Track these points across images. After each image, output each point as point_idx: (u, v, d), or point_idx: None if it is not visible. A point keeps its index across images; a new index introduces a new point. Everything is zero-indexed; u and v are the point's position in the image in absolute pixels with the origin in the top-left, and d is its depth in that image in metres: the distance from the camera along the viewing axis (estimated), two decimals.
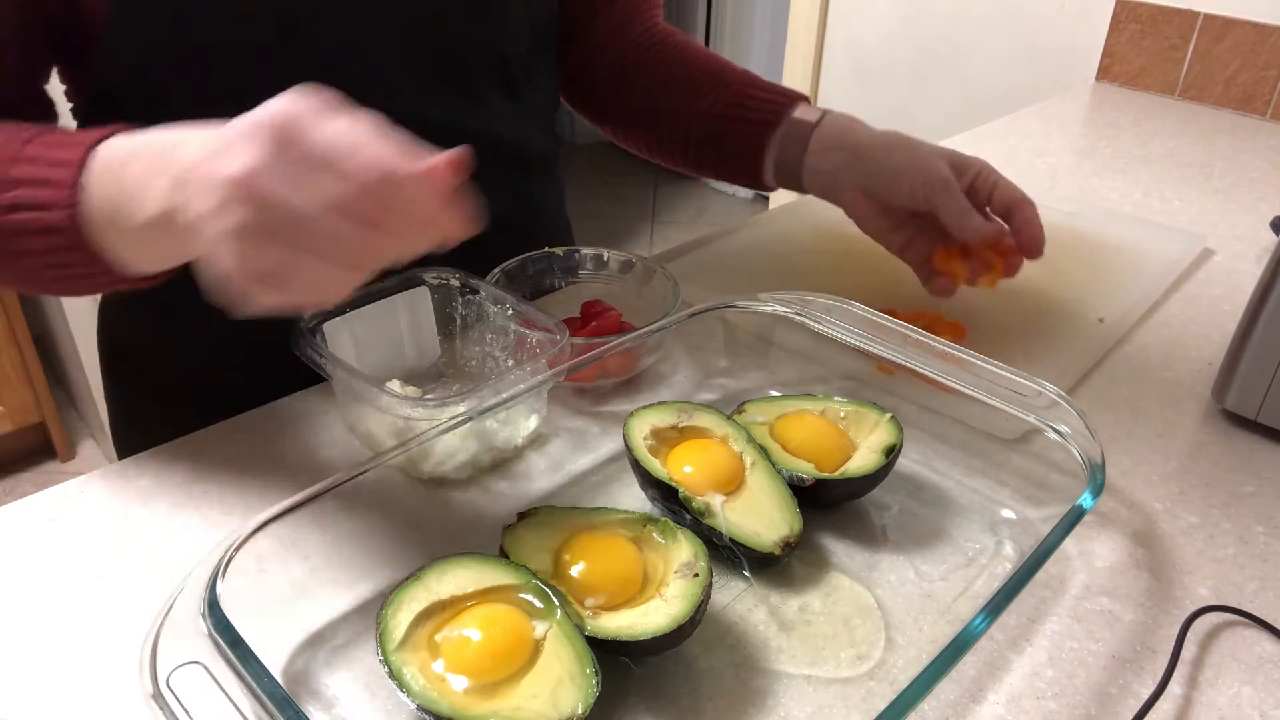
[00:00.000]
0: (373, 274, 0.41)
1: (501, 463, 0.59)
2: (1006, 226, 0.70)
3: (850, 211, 0.74)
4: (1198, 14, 1.39)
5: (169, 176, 0.41)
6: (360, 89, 0.57)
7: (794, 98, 0.78)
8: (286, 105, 0.39)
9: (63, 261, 0.49)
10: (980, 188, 0.70)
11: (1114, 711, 0.45)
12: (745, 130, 0.78)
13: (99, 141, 0.47)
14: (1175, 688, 0.46)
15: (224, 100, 0.44)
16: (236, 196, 0.37)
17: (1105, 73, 1.52)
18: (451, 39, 0.68)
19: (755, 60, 3.36)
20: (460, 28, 0.68)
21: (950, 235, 0.69)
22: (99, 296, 0.76)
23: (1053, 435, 0.54)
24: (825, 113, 0.76)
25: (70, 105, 0.66)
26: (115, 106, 0.58)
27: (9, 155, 0.49)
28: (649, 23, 0.85)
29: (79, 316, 1.86)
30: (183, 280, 0.63)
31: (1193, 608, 0.50)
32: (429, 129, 0.69)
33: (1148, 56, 1.46)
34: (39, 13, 0.57)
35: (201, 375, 0.72)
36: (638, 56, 0.83)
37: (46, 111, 0.62)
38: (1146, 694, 0.45)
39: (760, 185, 0.80)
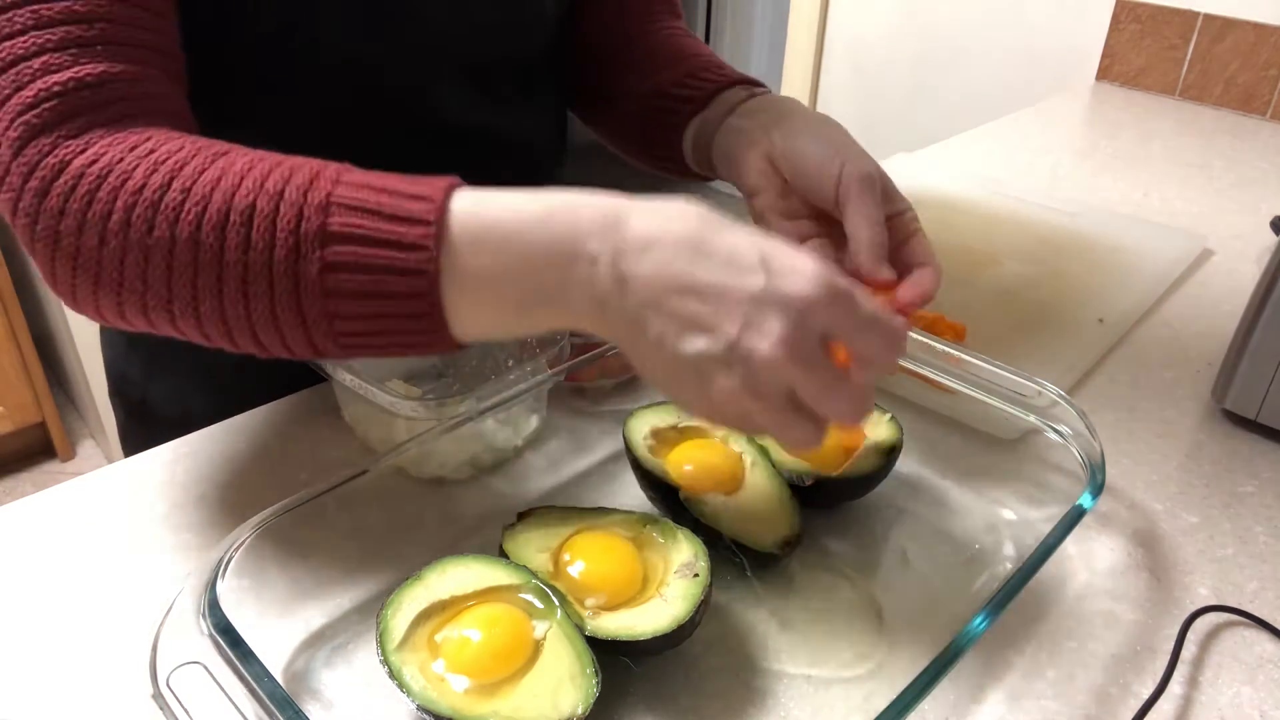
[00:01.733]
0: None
1: (501, 463, 0.59)
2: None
3: (745, 180, 0.61)
4: (1198, 14, 1.39)
5: (598, 283, 0.39)
6: (393, 88, 0.56)
7: (739, 80, 0.67)
8: (827, 280, 0.39)
9: (398, 327, 0.42)
10: (899, 227, 0.57)
11: (1114, 711, 0.45)
12: (674, 108, 0.68)
13: (448, 195, 0.41)
14: (1175, 688, 0.46)
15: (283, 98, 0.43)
16: (764, 376, 0.38)
17: (1105, 73, 1.52)
18: (492, 45, 0.67)
19: (755, 60, 3.36)
20: (503, 35, 0.68)
21: (842, 259, 0.57)
22: None
23: (1053, 435, 0.54)
24: (766, 92, 0.66)
25: None
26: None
27: (321, 203, 0.41)
28: (647, 20, 0.79)
29: (79, 317, 1.85)
30: None
31: (1193, 608, 0.50)
32: (447, 127, 0.69)
33: (1148, 56, 1.46)
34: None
35: (203, 375, 0.72)
36: (609, 39, 0.76)
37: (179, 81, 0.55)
38: (1146, 694, 0.45)
39: (680, 167, 0.70)
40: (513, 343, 0.63)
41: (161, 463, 0.58)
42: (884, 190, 0.56)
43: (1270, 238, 0.95)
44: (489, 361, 0.66)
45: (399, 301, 0.41)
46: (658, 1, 0.78)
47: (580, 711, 0.39)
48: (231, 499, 0.55)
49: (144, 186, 0.41)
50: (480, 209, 0.41)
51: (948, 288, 0.82)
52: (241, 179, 0.42)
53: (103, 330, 0.76)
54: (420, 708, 0.39)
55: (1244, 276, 0.87)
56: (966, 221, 0.96)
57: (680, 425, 0.56)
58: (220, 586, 0.41)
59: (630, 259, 0.39)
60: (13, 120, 0.42)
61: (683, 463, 0.53)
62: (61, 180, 0.42)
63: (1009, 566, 0.52)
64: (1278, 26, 1.34)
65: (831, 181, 0.55)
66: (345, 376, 0.55)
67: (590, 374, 0.65)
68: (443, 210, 0.41)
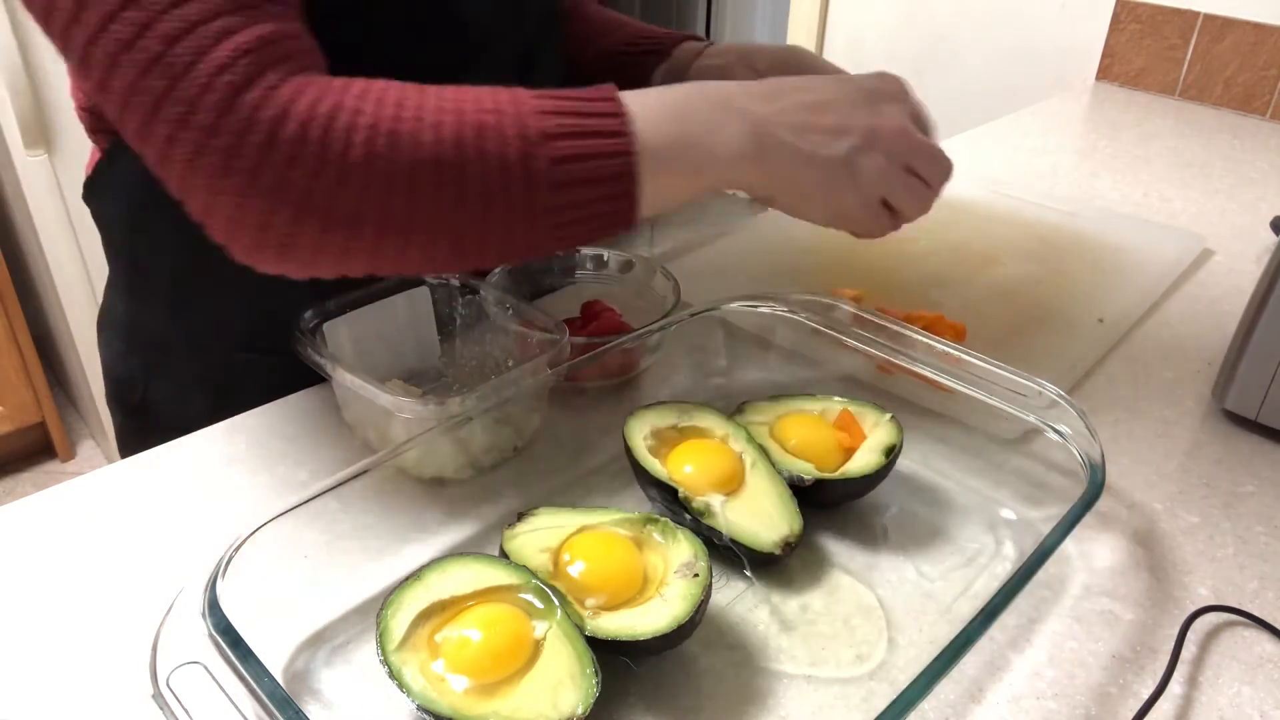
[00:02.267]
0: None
1: (501, 463, 0.59)
2: None
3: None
4: (1198, 14, 1.39)
5: (751, 123, 0.51)
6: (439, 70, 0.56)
7: (691, 35, 0.76)
8: (902, 83, 0.58)
9: (605, 209, 0.49)
10: None
11: (1114, 711, 0.45)
12: (637, 61, 0.75)
13: (614, 94, 0.49)
14: (1175, 688, 0.46)
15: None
16: (895, 140, 0.54)
17: (1105, 73, 1.52)
18: (491, 34, 0.67)
19: None
20: (499, 24, 0.67)
21: None
22: (99, 299, 0.75)
23: (1053, 435, 0.54)
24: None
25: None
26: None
27: (532, 110, 0.47)
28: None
29: (79, 316, 1.85)
30: (183, 282, 0.63)
31: (1193, 608, 0.50)
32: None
33: (1148, 56, 1.46)
34: None
35: (203, 376, 0.72)
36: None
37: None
38: (1146, 694, 0.45)
39: None
40: (513, 343, 0.63)
41: (161, 463, 0.58)
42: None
43: (1270, 238, 0.95)
44: (489, 361, 0.66)
45: (610, 184, 0.48)
46: None
47: (580, 711, 0.39)
48: (231, 499, 0.55)
49: (376, 121, 0.44)
50: (644, 98, 0.50)
51: (948, 287, 0.82)
52: (459, 103, 0.46)
53: (100, 333, 0.76)
54: (420, 708, 0.39)
55: (1244, 276, 0.87)
56: (966, 221, 0.96)
57: (680, 425, 0.56)
58: (220, 586, 0.41)
59: (769, 104, 0.52)
60: (210, 81, 0.42)
61: (683, 463, 0.53)
62: (289, 128, 0.43)
63: (1009, 566, 0.52)
64: (1278, 26, 1.33)
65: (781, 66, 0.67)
66: (345, 376, 0.55)
67: (590, 374, 0.65)
68: (621, 103, 0.49)
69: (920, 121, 0.58)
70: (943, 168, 0.57)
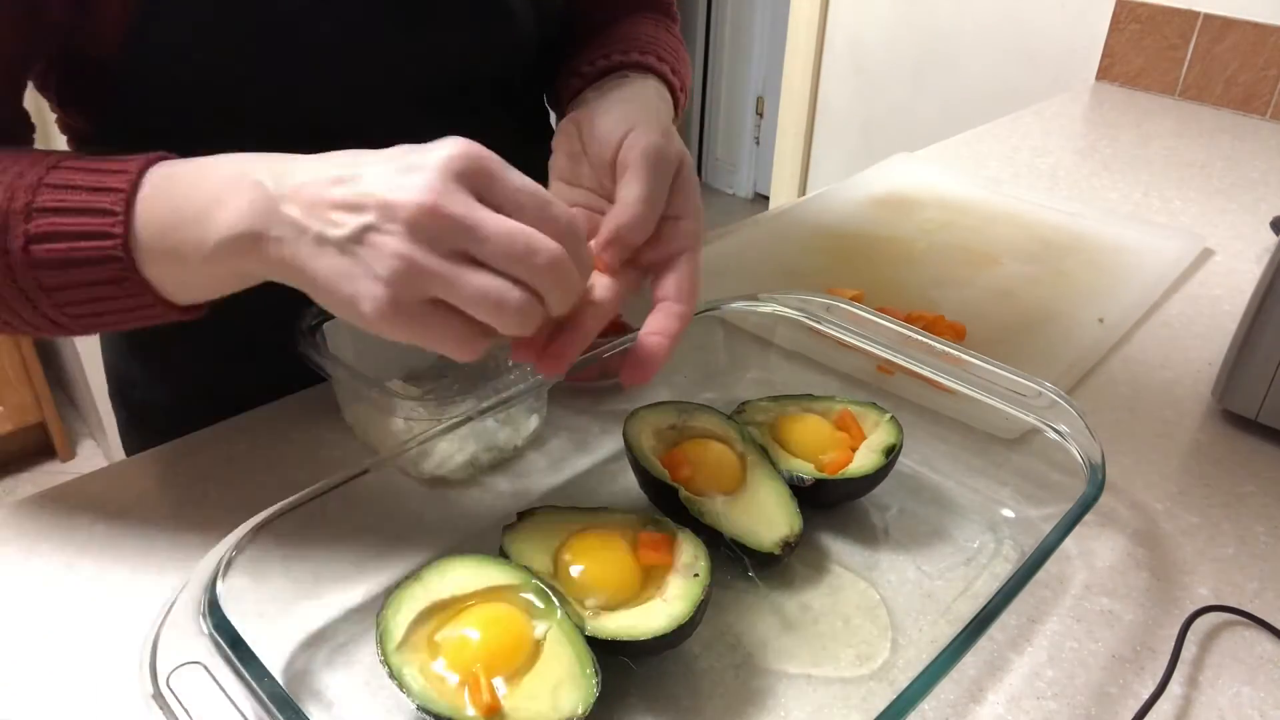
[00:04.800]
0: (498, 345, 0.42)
1: (501, 463, 0.59)
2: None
3: (554, 140, 0.57)
4: (1198, 14, 1.39)
5: (258, 198, 0.40)
6: (360, 116, 0.57)
7: (633, 64, 0.62)
8: (468, 147, 0.39)
9: (109, 294, 0.45)
10: (670, 233, 0.49)
11: (1114, 711, 0.45)
12: (572, 85, 0.64)
13: (146, 167, 0.44)
14: (1175, 688, 0.46)
15: (229, 133, 0.45)
16: (416, 219, 0.37)
17: (1105, 73, 1.52)
18: (459, 68, 0.68)
19: (755, 60, 3.36)
20: (469, 57, 0.68)
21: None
22: None
23: (1052, 435, 0.54)
24: (643, 77, 0.60)
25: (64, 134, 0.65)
26: (118, 138, 0.57)
27: (32, 183, 0.44)
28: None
29: None
30: None
31: (1193, 608, 0.50)
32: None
33: (1148, 56, 1.46)
34: (35, 49, 0.55)
35: (203, 376, 0.72)
36: (585, 29, 0.72)
37: (26, 128, 0.59)
38: (1146, 694, 0.45)
39: None
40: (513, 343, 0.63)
41: (161, 463, 0.58)
42: (679, 181, 0.49)
43: (1270, 238, 0.95)
44: (489, 361, 0.66)
45: (101, 267, 0.44)
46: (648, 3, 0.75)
47: (580, 711, 0.39)
48: (231, 499, 0.55)
49: None
50: (173, 168, 0.44)
51: (948, 287, 0.82)
52: None
53: (103, 335, 0.76)
54: (420, 708, 0.39)
55: (1244, 276, 0.87)
56: (966, 221, 0.96)
57: (680, 425, 0.56)
58: (220, 586, 0.41)
59: (288, 176, 0.41)
60: None
61: (683, 463, 0.53)
62: None
63: (1009, 566, 0.52)
64: (1278, 26, 1.34)
65: (613, 146, 0.49)
66: (345, 377, 0.55)
67: (590, 374, 0.65)
68: (138, 176, 0.44)
69: (505, 196, 0.40)
70: (537, 253, 0.39)
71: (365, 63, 0.62)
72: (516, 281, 0.39)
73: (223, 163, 0.43)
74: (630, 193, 0.47)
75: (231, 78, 0.58)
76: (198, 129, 0.60)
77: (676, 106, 0.65)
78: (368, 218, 0.38)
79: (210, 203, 0.42)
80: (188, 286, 0.45)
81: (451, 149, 0.39)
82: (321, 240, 0.39)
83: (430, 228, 0.38)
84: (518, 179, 0.40)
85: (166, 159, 0.45)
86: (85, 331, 0.48)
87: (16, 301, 0.46)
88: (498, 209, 0.39)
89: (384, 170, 0.39)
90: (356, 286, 0.39)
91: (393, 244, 0.38)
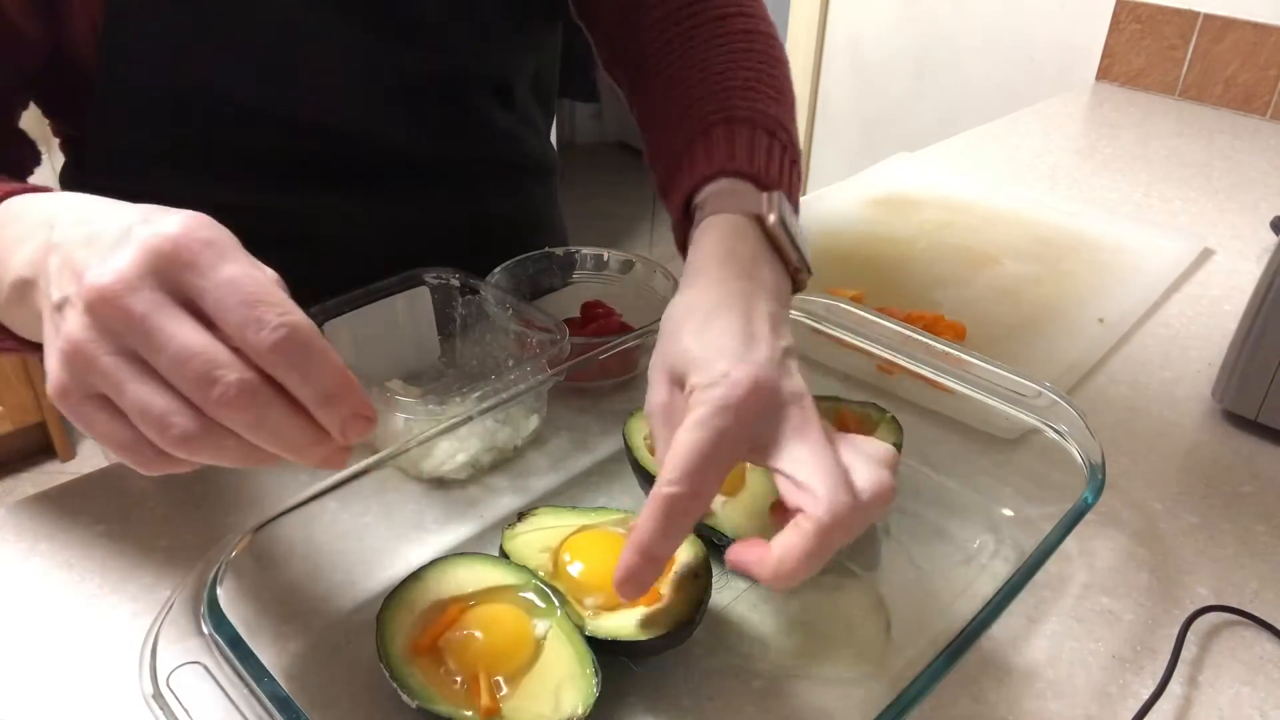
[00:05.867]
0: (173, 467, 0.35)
1: (501, 463, 0.59)
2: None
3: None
4: (1198, 14, 1.39)
5: (38, 246, 0.37)
6: (350, 122, 0.57)
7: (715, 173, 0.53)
8: (184, 229, 0.33)
9: None
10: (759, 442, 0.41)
11: (1114, 711, 0.45)
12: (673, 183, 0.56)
13: None
14: (1175, 688, 0.46)
15: (215, 150, 0.44)
16: (94, 305, 0.32)
17: (1105, 73, 1.52)
18: (450, 72, 0.68)
19: None
20: (459, 61, 0.68)
21: None
22: None
23: (1052, 435, 0.54)
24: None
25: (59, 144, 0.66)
26: (106, 142, 0.57)
27: None
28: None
29: None
30: None
31: (1193, 608, 0.50)
32: (420, 149, 0.69)
33: (1148, 56, 1.46)
34: (16, 70, 0.56)
35: None
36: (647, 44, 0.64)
37: (24, 147, 0.60)
38: (1146, 694, 0.45)
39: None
40: (513, 343, 0.63)
41: None
42: (783, 425, 0.40)
43: (1270, 238, 0.95)
44: (489, 361, 0.66)
45: None
46: None
47: (580, 711, 0.39)
48: (231, 499, 0.55)
49: None
50: (7, 206, 0.40)
51: (948, 287, 0.83)
52: None
53: None
54: (420, 708, 0.39)
55: (1244, 276, 0.87)
56: (966, 221, 0.96)
57: None
58: (220, 586, 0.41)
59: (67, 228, 0.36)
60: None
61: None
62: None
63: (1009, 566, 0.52)
64: (1278, 26, 1.34)
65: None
66: None
67: (590, 374, 0.65)
68: None
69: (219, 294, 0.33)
70: (215, 394, 0.32)
71: (342, 61, 0.62)
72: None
73: (44, 202, 0.40)
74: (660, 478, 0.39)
75: (208, 78, 0.58)
76: (180, 133, 0.60)
77: (792, 193, 0.54)
78: (69, 289, 0.34)
79: (14, 243, 0.38)
80: (15, 324, 0.42)
81: (166, 228, 0.33)
82: (48, 303, 0.35)
83: (107, 317, 0.32)
84: (232, 272, 0.33)
85: (21, 193, 0.42)
86: None
87: None
88: (198, 310, 0.33)
89: (108, 239, 0.34)
90: (49, 360, 0.34)
91: (69, 325, 0.33)
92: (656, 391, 0.45)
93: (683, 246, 0.53)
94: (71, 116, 0.62)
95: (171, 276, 0.33)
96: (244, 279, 0.33)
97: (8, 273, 0.38)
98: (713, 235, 0.49)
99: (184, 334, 0.32)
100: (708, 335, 0.43)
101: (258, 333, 0.32)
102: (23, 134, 0.60)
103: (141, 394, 0.32)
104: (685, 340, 0.43)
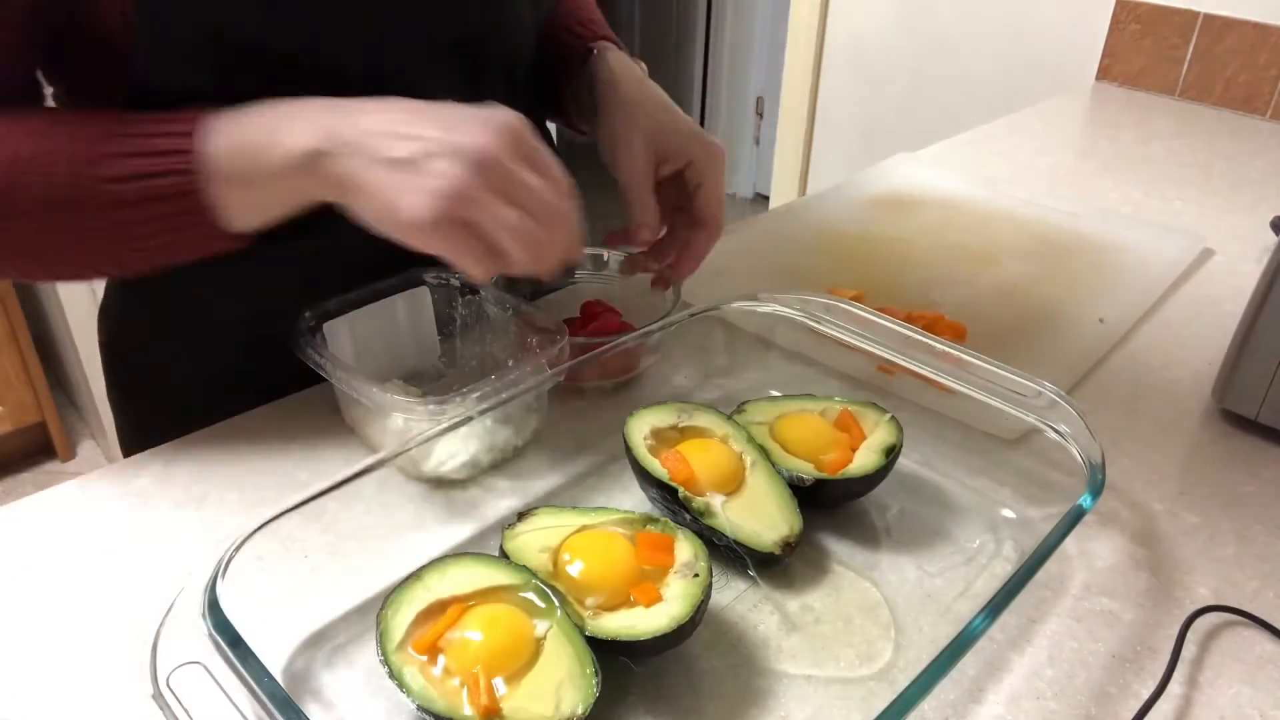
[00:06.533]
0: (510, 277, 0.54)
1: (501, 463, 0.59)
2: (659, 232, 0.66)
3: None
4: (1198, 14, 1.39)
5: (325, 124, 0.48)
6: (375, 85, 0.57)
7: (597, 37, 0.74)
8: (520, 118, 0.49)
9: (173, 226, 0.50)
10: (688, 179, 0.65)
11: (1114, 711, 0.45)
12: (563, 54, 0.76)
13: (200, 114, 0.50)
14: (1175, 688, 0.46)
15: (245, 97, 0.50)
16: (483, 163, 0.46)
17: (1105, 73, 1.52)
18: (471, 33, 0.67)
19: (755, 60, 3.35)
20: (479, 22, 0.68)
21: None
22: (99, 297, 0.75)
23: (1053, 435, 0.54)
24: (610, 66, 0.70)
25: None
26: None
27: (102, 133, 0.50)
28: None
29: (79, 316, 1.85)
30: (183, 281, 0.63)
31: (1193, 608, 0.50)
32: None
33: (1148, 56, 1.46)
34: (43, 25, 0.56)
35: (203, 376, 0.72)
36: None
37: (37, 95, 0.60)
38: (1146, 694, 0.45)
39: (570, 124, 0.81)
40: (513, 343, 0.63)
41: (161, 463, 0.58)
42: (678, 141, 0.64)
43: (1270, 238, 0.95)
44: (489, 361, 0.66)
45: (176, 200, 0.49)
46: None
47: (580, 711, 0.39)
48: (231, 499, 0.55)
49: None
50: (238, 112, 0.50)
51: (948, 287, 0.83)
52: (24, 129, 0.50)
53: (101, 331, 0.76)
54: (420, 708, 0.39)
55: (1244, 276, 0.87)
56: (966, 221, 0.96)
57: (680, 425, 0.56)
58: (220, 586, 0.41)
59: (349, 115, 0.49)
60: None
61: (683, 463, 0.53)
62: None
63: (1009, 566, 0.52)
64: (1278, 26, 1.34)
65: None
66: (345, 377, 0.55)
67: (590, 374, 0.65)
68: (198, 119, 0.49)
69: (537, 164, 0.50)
70: (554, 211, 0.49)
71: (375, 21, 0.62)
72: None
73: (288, 101, 0.50)
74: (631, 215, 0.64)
75: (239, 43, 0.58)
76: (223, 90, 0.60)
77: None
78: (431, 147, 0.47)
79: (277, 128, 0.49)
80: (246, 207, 0.51)
81: (509, 116, 0.49)
82: (378, 158, 0.47)
83: (486, 167, 0.47)
84: (548, 154, 0.50)
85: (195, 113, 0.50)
86: (149, 264, 0.53)
87: (84, 238, 0.51)
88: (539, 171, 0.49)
89: (449, 117, 0.48)
90: (402, 196, 0.47)
91: (453, 170, 0.46)
92: (640, 158, 0.65)
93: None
94: (97, 95, 0.61)
95: (519, 147, 0.48)
96: (554, 159, 0.50)
97: (279, 151, 0.48)
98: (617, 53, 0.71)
99: (533, 181, 0.49)
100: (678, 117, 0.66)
101: (555, 209, 0.50)
102: (39, 81, 0.60)
103: (511, 213, 0.48)
104: (660, 118, 0.66)
